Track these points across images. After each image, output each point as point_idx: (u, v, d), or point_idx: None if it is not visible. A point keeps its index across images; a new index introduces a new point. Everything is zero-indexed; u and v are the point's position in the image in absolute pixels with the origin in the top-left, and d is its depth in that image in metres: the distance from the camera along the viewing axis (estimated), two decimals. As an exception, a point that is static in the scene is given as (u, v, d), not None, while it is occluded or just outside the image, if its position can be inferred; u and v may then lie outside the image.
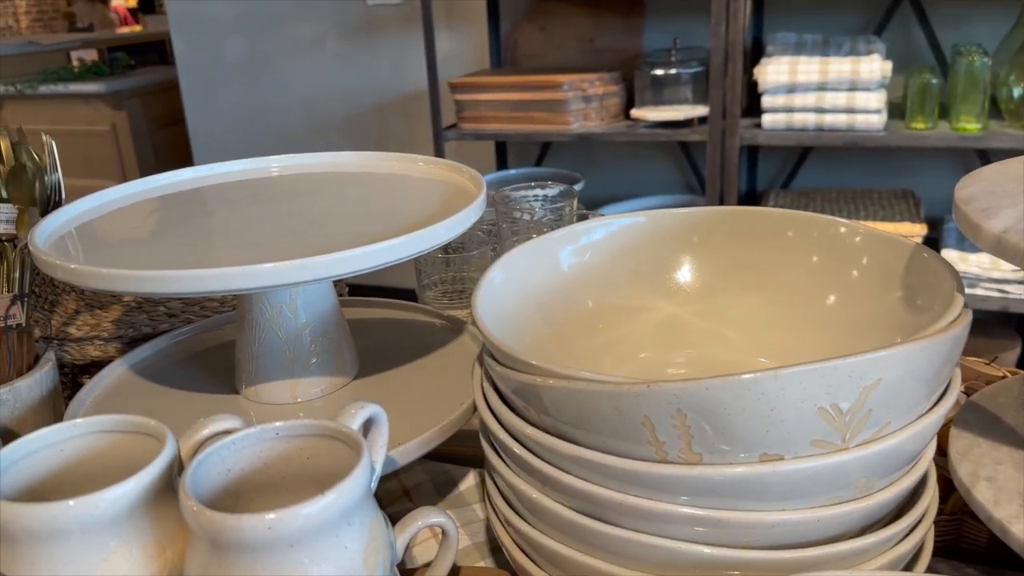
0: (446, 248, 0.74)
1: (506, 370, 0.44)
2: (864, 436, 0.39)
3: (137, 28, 5.03)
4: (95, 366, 0.70)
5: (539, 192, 0.73)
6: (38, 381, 0.62)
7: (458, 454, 0.67)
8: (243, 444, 0.38)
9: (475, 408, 0.57)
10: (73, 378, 0.72)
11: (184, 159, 3.16)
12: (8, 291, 0.64)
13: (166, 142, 3.48)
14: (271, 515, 0.32)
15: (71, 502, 0.34)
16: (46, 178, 0.63)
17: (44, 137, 0.64)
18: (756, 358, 0.54)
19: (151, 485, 0.35)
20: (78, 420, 0.39)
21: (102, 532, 0.34)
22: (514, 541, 0.49)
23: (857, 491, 0.40)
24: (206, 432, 0.40)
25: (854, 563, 0.41)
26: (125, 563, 0.35)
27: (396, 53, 2.39)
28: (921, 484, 0.45)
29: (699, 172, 2.10)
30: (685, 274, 0.58)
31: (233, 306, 0.73)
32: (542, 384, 0.41)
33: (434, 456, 0.62)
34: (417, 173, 0.66)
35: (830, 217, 0.52)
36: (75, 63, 3.88)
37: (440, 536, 0.46)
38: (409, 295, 0.76)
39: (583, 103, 1.82)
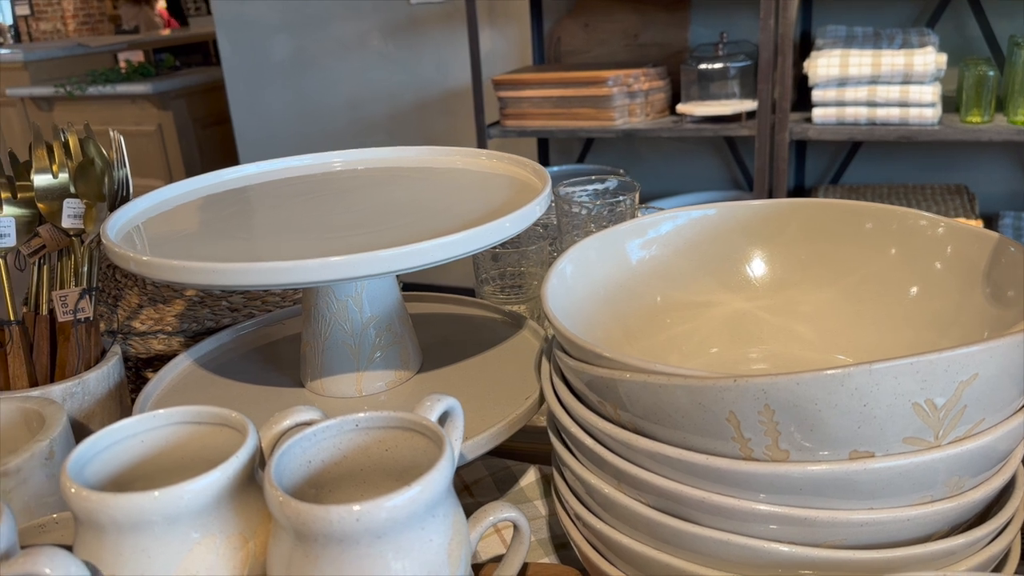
0: (504, 243, 0.73)
1: (579, 364, 0.44)
2: (957, 433, 0.37)
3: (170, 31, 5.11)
4: (158, 360, 0.71)
5: (598, 186, 0.72)
6: (106, 374, 0.63)
7: (517, 450, 0.67)
8: (324, 436, 0.38)
9: (541, 403, 0.57)
10: (136, 372, 0.73)
11: (229, 158, 3.20)
12: (76, 285, 0.65)
13: (211, 142, 3.53)
14: (358, 506, 0.32)
15: (156, 493, 0.34)
16: (114, 173, 0.64)
17: (112, 133, 0.64)
18: (833, 355, 0.52)
19: (234, 476, 0.35)
20: (159, 411, 0.39)
21: (186, 523, 0.34)
22: (584, 537, 0.48)
23: (947, 490, 0.39)
24: (286, 424, 0.40)
25: (941, 565, 0.40)
26: (209, 554, 0.35)
27: (439, 51, 2.39)
28: (1009, 485, 0.43)
29: (745, 168, 2.07)
30: (755, 268, 0.57)
31: (294, 301, 0.74)
32: (620, 378, 0.40)
33: (493, 452, 0.62)
34: (480, 167, 0.65)
35: (910, 209, 0.51)
36: (122, 65, 3.96)
37: (504, 532, 0.46)
38: (460, 294, 0.76)
39: (628, 99, 1.80)
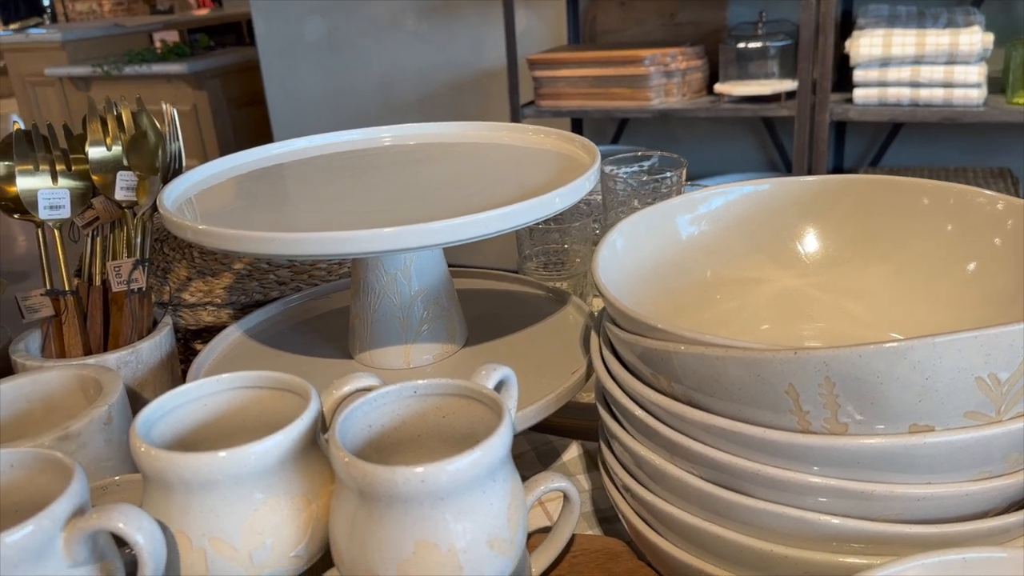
0: (548, 220, 0.73)
1: (632, 336, 0.44)
2: (1019, 408, 0.37)
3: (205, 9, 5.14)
4: (207, 331, 0.72)
5: (642, 164, 0.71)
6: (158, 344, 0.64)
7: (560, 425, 0.67)
8: (384, 401, 0.38)
9: (587, 377, 0.57)
10: (185, 343, 0.74)
11: (263, 138, 3.23)
12: (128, 256, 0.66)
13: (245, 121, 3.56)
14: (421, 468, 0.32)
15: (222, 453, 0.34)
16: (167, 147, 0.65)
17: (164, 106, 0.65)
18: (886, 332, 0.52)
19: (298, 439, 0.36)
20: (222, 376, 0.40)
21: (251, 483, 0.35)
22: (632, 509, 0.48)
23: (1006, 466, 0.38)
24: (346, 389, 0.40)
25: (997, 541, 0.40)
26: (274, 515, 0.36)
27: (473, 31, 2.39)
28: (1068, 463, 0.43)
29: (783, 150, 2.04)
30: (806, 244, 0.56)
31: (340, 275, 0.74)
32: (675, 350, 0.40)
33: (535, 427, 0.62)
34: (528, 143, 0.65)
35: (968, 186, 0.50)
36: (157, 45, 4.00)
37: (548, 504, 0.46)
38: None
39: (665, 78, 1.78)
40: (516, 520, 0.36)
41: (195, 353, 0.72)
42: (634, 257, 0.52)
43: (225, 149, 3.42)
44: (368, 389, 0.41)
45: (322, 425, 0.39)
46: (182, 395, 0.39)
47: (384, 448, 0.39)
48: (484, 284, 0.71)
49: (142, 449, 0.35)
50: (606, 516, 0.58)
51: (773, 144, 2.06)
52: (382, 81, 2.59)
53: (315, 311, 0.70)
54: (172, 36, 4.29)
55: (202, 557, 0.35)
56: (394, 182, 0.60)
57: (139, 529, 0.33)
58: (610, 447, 0.51)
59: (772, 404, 0.38)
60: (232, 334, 0.66)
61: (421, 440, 0.40)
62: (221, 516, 0.35)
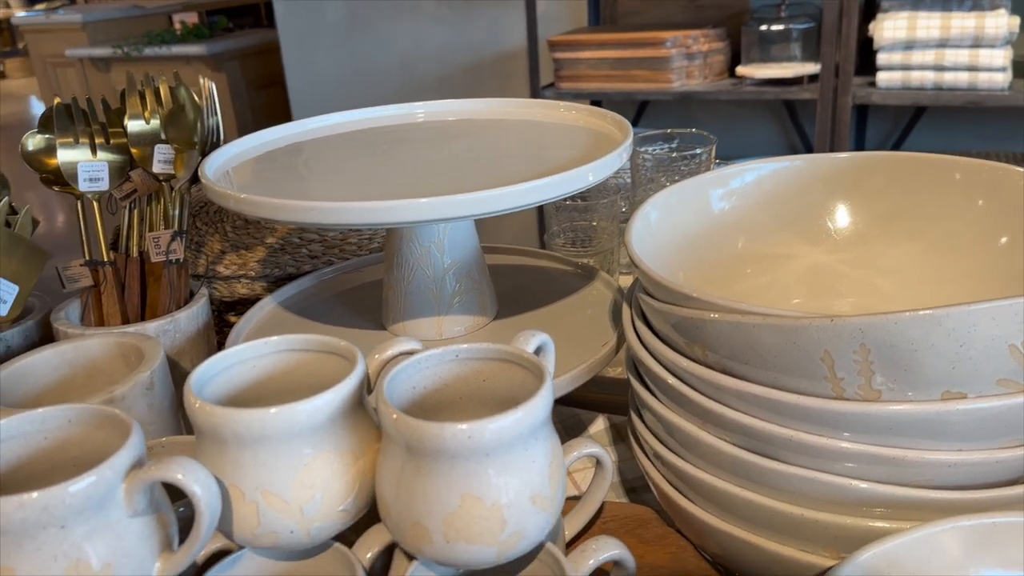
0: (575, 196, 0.74)
1: (666, 306, 0.45)
2: (1051, 378, 0.37)
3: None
4: (240, 303, 0.74)
5: (669, 143, 0.72)
6: (195, 314, 0.66)
7: (586, 399, 0.68)
8: (427, 364, 0.40)
9: (617, 349, 0.58)
10: (219, 315, 0.75)
11: (282, 119, 3.23)
12: (165, 228, 0.67)
13: (264, 103, 3.57)
14: (466, 425, 0.33)
15: (273, 409, 0.36)
16: (206, 121, 0.66)
17: (202, 80, 0.66)
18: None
19: (346, 398, 0.37)
20: (271, 338, 0.41)
21: (302, 439, 0.36)
22: (663, 476, 0.49)
23: (1036, 435, 0.39)
24: (389, 353, 0.41)
25: (1025, 509, 0.41)
26: (324, 469, 0.37)
27: (492, 12, 2.38)
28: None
29: (804, 133, 2.03)
30: (836, 221, 0.57)
31: (370, 250, 0.75)
32: (711, 319, 0.41)
33: (562, 400, 0.63)
34: (559, 119, 0.66)
35: (1002, 164, 0.50)
36: (177, 26, 4.01)
37: (575, 475, 0.47)
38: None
39: (686, 60, 1.78)
40: (557, 479, 0.37)
41: (229, 325, 0.74)
42: (666, 231, 0.53)
43: (244, 131, 3.43)
44: (410, 353, 0.42)
45: (366, 387, 0.40)
46: (231, 356, 0.41)
47: (427, 409, 0.40)
48: (512, 260, 0.72)
49: (197, 405, 0.36)
50: (633, 487, 0.59)
51: (794, 127, 2.06)
52: (402, 62, 2.59)
53: (347, 284, 0.71)
54: (191, 18, 4.30)
55: (254, 510, 0.36)
56: (428, 156, 0.61)
57: (196, 480, 0.34)
58: (640, 416, 0.52)
59: (807, 371, 0.39)
60: (267, 305, 0.67)
61: (462, 403, 0.41)
62: (273, 470, 0.36)
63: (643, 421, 0.51)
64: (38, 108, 6.05)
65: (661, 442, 0.49)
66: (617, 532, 0.51)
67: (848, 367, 0.38)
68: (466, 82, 2.49)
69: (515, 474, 0.35)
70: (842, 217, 0.57)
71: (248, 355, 0.41)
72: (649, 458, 0.51)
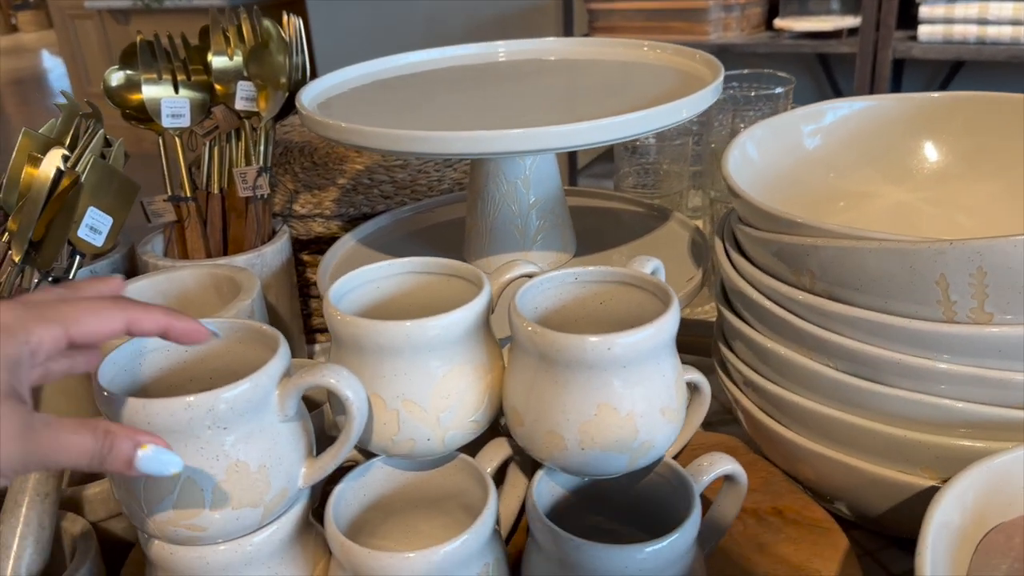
0: (649, 136, 0.75)
1: (771, 234, 0.46)
2: None
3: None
4: (315, 242, 0.75)
5: (752, 83, 0.72)
6: (280, 249, 0.67)
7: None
8: (548, 285, 0.41)
9: (702, 285, 0.59)
10: (293, 254, 0.77)
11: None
12: (247, 165, 0.69)
13: (284, 56, 3.55)
14: (604, 337, 0.35)
15: (408, 323, 0.37)
16: (293, 58, 0.66)
17: (287, 17, 0.67)
18: (1005, 240, 0.53)
19: (479, 315, 0.39)
20: (398, 260, 0.43)
21: (439, 352, 0.38)
22: (756, 404, 0.51)
23: None
24: (509, 275, 0.43)
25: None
26: (459, 380, 0.39)
27: (522, -37, 2.35)
28: None
29: (839, 89, 2.02)
30: (920, 159, 0.58)
31: (440, 191, 0.76)
32: (823, 245, 0.42)
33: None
34: (643, 59, 0.66)
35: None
36: (197, -23, 3.96)
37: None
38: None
39: (723, 12, 1.76)
40: (681, 393, 0.38)
41: (302, 264, 0.75)
42: (758, 164, 0.54)
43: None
44: (529, 276, 0.43)
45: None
46: (360, 276, 0.42)
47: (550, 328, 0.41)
48: (586, 201, 0.73)
49: (338, 317, 0.38)
50: (708, 422, 0.61)
51: (828, 82, 2.04)
52: (428, 15, 2.57)
53: (423, 223, 0.72)
54: (211, -31, 4.25)
55: (395, 417, 0.38)
56: (514, 93, 0.61)
57: (348, 386, 0.36)
58: (730, 347, 0.53)
59: (920, 295, 0.40)
60: (348, 242, 0.68)
61: (579, 325, 0.42)
62: (413, 380, 0.38)
63: (733, 351, 0.53)
64: (51, 62, 6.00)
65: (754, 370, 0.50)
66: (707, 457, 0.52)
67: (962, 290, 0.39)
68: (495, 34, 2.47)
69: (647, 386, 0.36)
70: (926, 155, 0.58)
71: (374, 276, 0.43)
72: (739, 387, 0.52)
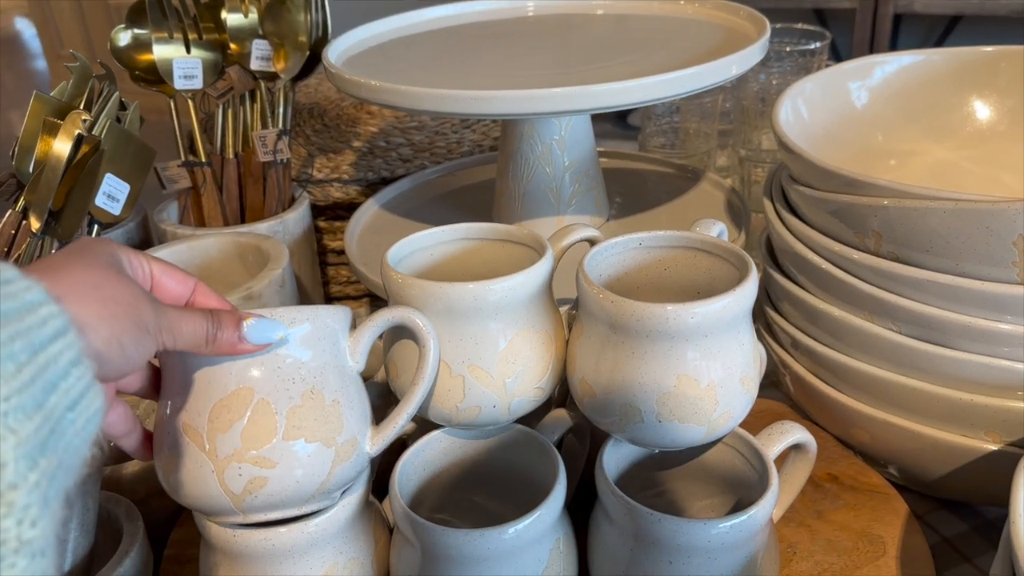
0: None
1: (828, 194, 0.44)
2: None
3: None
4: (332, 208, 0.73)
5: (784, 39, 0.71)
6: (301, 215, 0.65)
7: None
8: (612, 251, 0.39)
9: (745, 248, 0.58)
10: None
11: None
12: (262, 128, 0.66)
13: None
14: (685, 306, 0.33)
15: (472, 285, 0.36)
16: (313, 15, 0.63)
17: (305, -29, 0.64)
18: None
19: (543, 279, 0.37)
20: (447, 227, 0.41)
21: (506, 316, 0.36)
22: (806, 368, 0.50)
23: None
24: (569, 240, 0.41)
25: None
26: (524, 346, 0.37)
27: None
28: None
29: (835, 46, 2.00)
30: (964, 117, 0.56)
31: (460, 153, 0.74)
32: (893, 205, 0.41)
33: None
34: (681, 13, 0.64)
35: None
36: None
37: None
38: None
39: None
40: (757, 362, 0.37)
41: (319, 231, 0.73)
42: (807, 121, 0.52)
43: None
44: (590, 240, 0.42)
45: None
46: (413, 243, 0.40)
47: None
48: (616, 163, 0.71)
49: (399, 280, 0.36)
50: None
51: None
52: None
53: (445, 187, 0.70)
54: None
55: (460, 383, 0.37)
56: (546, 50, 0.59)
57: (420, 320, 0.35)
58: (776, 308, 0.52)
59: (994, 257, 0.39)
60: (371, 208, 0.66)
61: (641, 292, 0.41)
62: (480, 345, 0.36)
63: (780, 313, 0.52)
64: (21, 24, 5.81)
65: (805, 333, 0.49)
66: (755, 425, 0.52)
67: (1040, 251, 0.38)
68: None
69: (728, 356, 0.35)
70: (971, 112, 0.56)
71: (426, 243, 0.41)
72: (787, 349, 0.51)
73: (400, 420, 0.36)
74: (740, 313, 0.35)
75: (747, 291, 0.35)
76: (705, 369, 0.35)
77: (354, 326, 0.36)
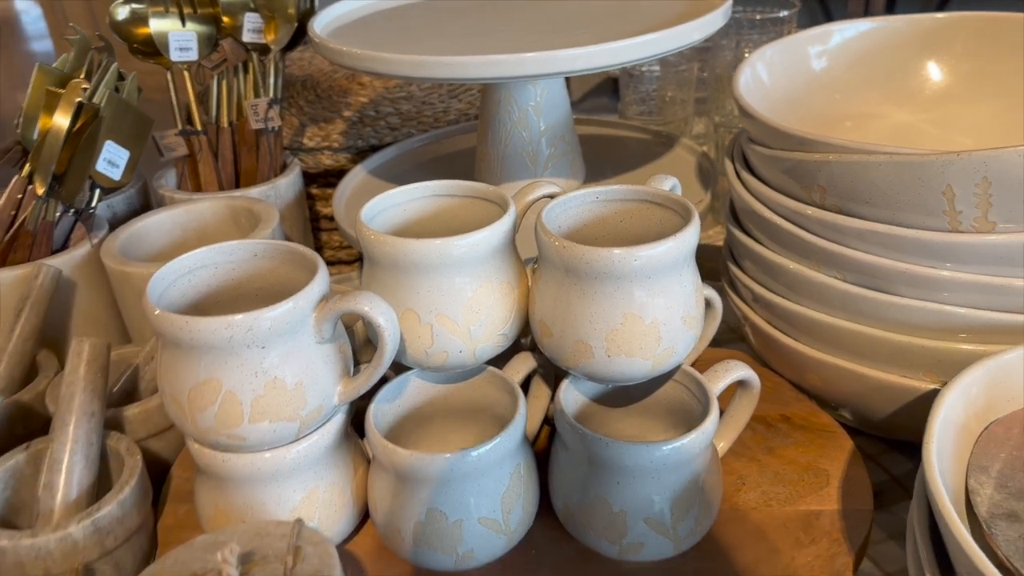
0: (654, 61, 0.75)
1: (783, 152, 0.47)
2: None
3: None
4: (323, 176, 0.76)
5: (757, 7, 0.73)
6: (293, 181, 0.68)
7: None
8: (571, 204, 0.42)
9: (710, 208, 0.61)
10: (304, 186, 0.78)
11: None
12: (256, 98, 0.69)
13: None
14: (629, 249, 0.36)
15: (438, 241, 0.39)
16: (300, -13, 0.66)
17: (292, -54, 0.66)
18: (1005, 156, 0.55)
19: (506, 232, 0.40)
20: (419, 184, 0.44)
21: (470, 268, 0.40)
22: (764, 319, 0.53)
23: None
24: (532, 196, 0.44)
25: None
26: (487, 296, 0.40)
27: None
28: None
29: (829, 12, 2.00)
30: (923, 80, 0.59)
31: (447, 121, 0.77)
32: (836, 160, 0.44)
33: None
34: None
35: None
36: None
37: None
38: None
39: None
40: (699, 303, 0.40)
41: (311, 197, 0.76)
42: (768, 86, 0.55)
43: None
44: (551, 196, 0.45)
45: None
46: (386, 200, 0.43)
47: (576, 244, 0.43)
48: (593, 130, 0.74)
49: (372, 236, 0.39)
50: (716, 341, 0.63)
51: (821, 11, 2.03)
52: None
53: (430, 154, 0.73)
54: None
55: (429, 331, 0.40)
56: (520, 19, 0.62)
57: (381, 313, 0.38)
58: (739, 265, 0.55)
59: (927, 206, 0.42)
60: (359, 174, 0.69)
61: (601, 242, 0.44)
62: (447, 295, 0.39)
63: (742, 269, 0.55)
64: (23, 4, 5.84)
65: (763, 286, 0.52)
66: (717, 371, 0.55)
67: (967, 200, 0.41)
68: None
69: (670, 296, 0.38)
70: (928, 76, 0.59)
71: (403, 198, 0.44)
72: (748, 303, 0.54)
73: (366, 383, 0.40)
74: (680, 257, 0.38)
75: (688, 236, 0.38)
76: (649, 307, 0.38)
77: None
